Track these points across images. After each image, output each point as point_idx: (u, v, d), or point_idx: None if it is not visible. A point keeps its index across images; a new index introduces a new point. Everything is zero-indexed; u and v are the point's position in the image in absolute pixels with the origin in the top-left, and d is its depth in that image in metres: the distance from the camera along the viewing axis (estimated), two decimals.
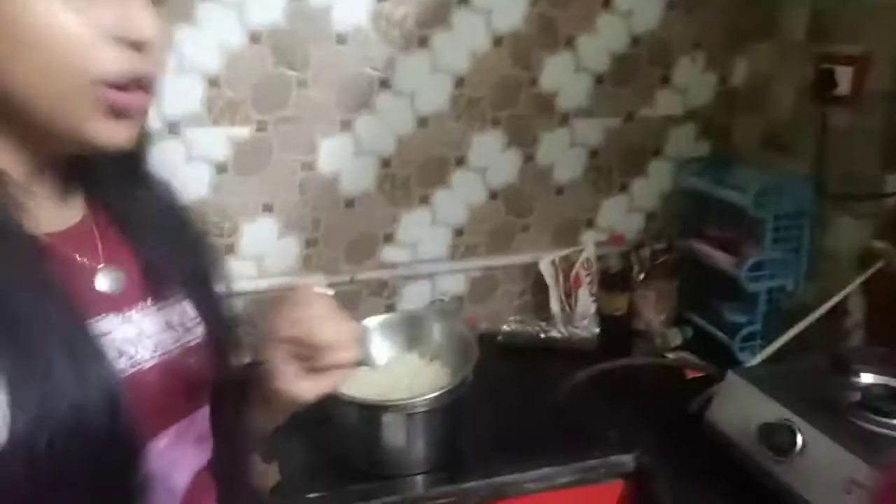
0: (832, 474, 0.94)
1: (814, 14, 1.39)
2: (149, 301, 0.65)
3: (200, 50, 1.25)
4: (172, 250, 0.70)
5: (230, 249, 1.39)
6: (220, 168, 1.33)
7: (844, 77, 1.30)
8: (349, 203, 1.44)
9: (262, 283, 1.41)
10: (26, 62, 0.53)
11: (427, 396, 1.07)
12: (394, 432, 1.11)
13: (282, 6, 1.27)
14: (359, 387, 1.16)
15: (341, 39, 1.32)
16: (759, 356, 1.27)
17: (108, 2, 0.54)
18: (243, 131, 1.32)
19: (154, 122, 1.26)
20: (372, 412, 1.09)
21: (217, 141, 1.31)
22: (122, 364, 0.59)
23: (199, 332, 0.69)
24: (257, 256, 1.42)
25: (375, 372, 1.22)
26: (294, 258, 1.44)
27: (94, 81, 0.54)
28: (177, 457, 0.64)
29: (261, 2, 1.26)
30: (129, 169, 0.69)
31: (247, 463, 0.77)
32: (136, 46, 0.55)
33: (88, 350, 0.55)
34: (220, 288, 0.74)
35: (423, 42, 1.36)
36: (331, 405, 1.10)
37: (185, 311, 0.68)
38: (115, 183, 0.68)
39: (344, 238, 1.46)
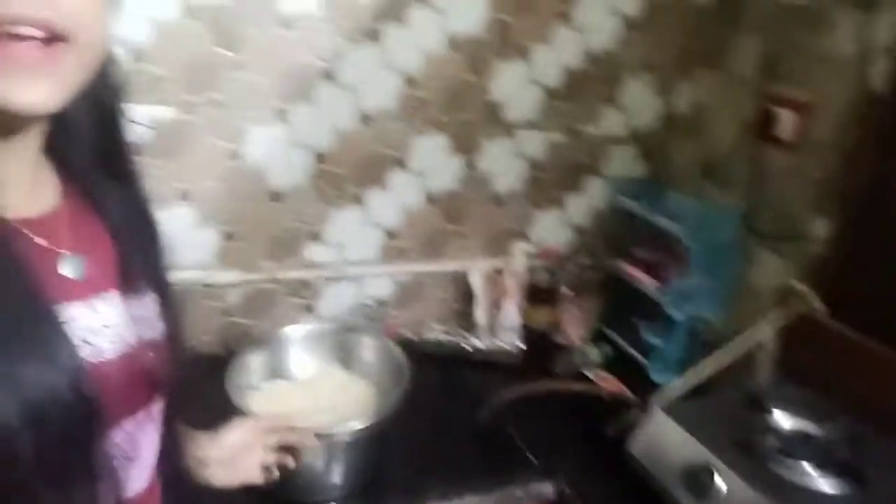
0: None
1: (765, 53, 1.40)
2: (113, 291, 0.64)
3: (129, 19, 1.11)
4: (143, 243, 0.71)
5: None
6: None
7: (787, 120, 1.33)
8: (275, 196, 1.34)
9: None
10: None
11: (353, 427, 1.00)
12: (313, 459, 1.04)
13: None
14: (277, 403, 1.08)
15: (286, 23, 1.20)
16: (675, 383, 1.29)
17: None
18: (166, 111, 1.19)
19: None
20: None
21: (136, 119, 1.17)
22: (84, 353, 0.59)
23: (159, 328, 0.69)
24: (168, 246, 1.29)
25: (296, 387, 1.15)
26: (210, 251, 1.33)
27: None
28: (135, 450, 0.65)
29: None
30: (108, 157, 0.68)
31: (184, 462, 0.79)
32: None
33: (53, 335, 0.55)
34: (174, 287, 0.75)
35: (374, 35, 1.27)
36: None
37: (148, 305, 0.68)
38: (93, 170, 0.67)
39: (266, 233, 1.36)
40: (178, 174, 1.25)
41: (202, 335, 1.36)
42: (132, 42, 1.13)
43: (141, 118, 1.18)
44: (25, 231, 0.59)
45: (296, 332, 1.19)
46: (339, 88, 1.29)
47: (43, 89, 0.52)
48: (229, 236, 1.33)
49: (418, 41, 1.30)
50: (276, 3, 1.19)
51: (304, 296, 1.43)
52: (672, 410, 1.16)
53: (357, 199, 1.40)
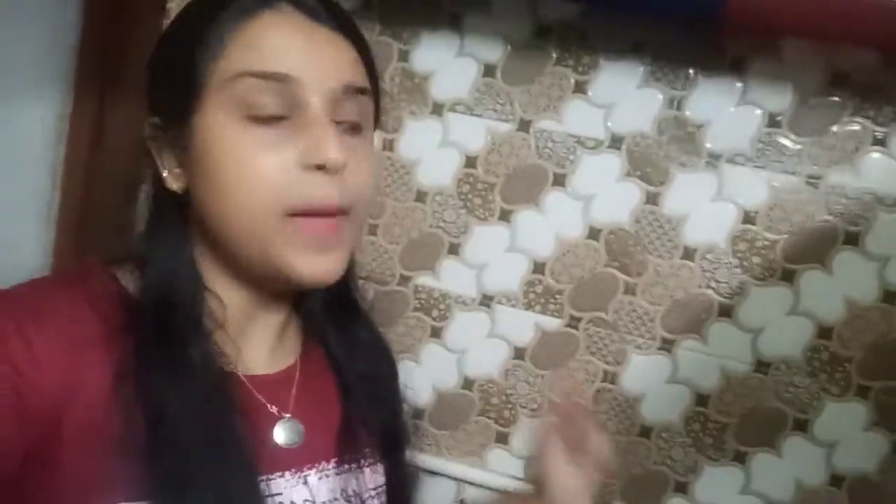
0: None
1: None
2: (332, 462, 0.61)
3: (536, 234, 1.21)
4: (377, 409, 0.68)
5: (502, 439, 1.26)
6: (518, 353, 1.24)
7: None
8: (644, 432, 1.23)
9: (522, 485, 1.24)
10: (224, 201, 0.54)
11: None
12: None
13: (631, 208, 1.18)
14: None
15: (688, 254, 1.17)
16: None
17: (298, 137, 0.53)
18: (553, 322, 1.22)
19: (470, 292, 1.24)
20: None
21: (524, 325, 1.24)
22: None
23: None
24: (528, 457, 1.26)
25: None
26: None
27: (284, 214, 0.53)
28: None
29: (610, 200, 1.18)
30: (352, 317, 0.69)
31: None
32: (322, 170, 0.53)
33: None
34: (411, 459, 0.71)
35: (787, 277, 1.14)
36: None
37: (366, 479, 0.64)
38: (336, 331, 0.68)
39: (630, 471, 1.24)
40: (553, 386, 1.24)
41: None
42: (536, 254, 1.22)
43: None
44: (251, 388, 0.60)
45: None
46: (736, 328, 1.17)
47: (331, 261, 0.55)
48: None
49: (842, 288, 1.13)
50: (679, 231, 1.17)
51: None
52: None
53: (739, 458, 1.19)
